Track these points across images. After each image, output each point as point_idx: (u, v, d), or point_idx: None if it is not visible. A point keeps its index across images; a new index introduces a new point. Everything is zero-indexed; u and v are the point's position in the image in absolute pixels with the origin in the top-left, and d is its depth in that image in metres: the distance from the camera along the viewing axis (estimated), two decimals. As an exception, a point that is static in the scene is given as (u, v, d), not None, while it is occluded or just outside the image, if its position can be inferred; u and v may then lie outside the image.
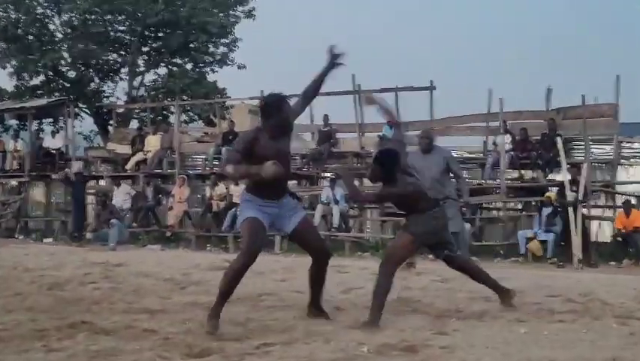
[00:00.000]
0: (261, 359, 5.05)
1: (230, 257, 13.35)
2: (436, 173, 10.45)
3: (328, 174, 18.64)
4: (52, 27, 29.77)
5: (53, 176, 21.82)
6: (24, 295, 8.21)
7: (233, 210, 17.79)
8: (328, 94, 20.73)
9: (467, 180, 21.00)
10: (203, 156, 21.59)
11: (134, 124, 28.23)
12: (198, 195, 20.79)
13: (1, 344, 5.50)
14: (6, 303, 7.62)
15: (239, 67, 30.12)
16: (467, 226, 15.56)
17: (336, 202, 17.22)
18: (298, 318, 6.68)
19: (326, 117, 19.96)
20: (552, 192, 15.65)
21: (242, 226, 6.35)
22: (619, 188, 17.78)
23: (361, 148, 19.77)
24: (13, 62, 28.32)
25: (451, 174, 10.93)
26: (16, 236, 20.94)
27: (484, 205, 18.27)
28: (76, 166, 20.96)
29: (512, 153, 17.48)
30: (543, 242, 14.77)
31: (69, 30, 29.18)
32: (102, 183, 22.56)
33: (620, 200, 17.50)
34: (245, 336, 5.87)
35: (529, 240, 14.95)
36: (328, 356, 5.08)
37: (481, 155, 18.88)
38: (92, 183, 23.33)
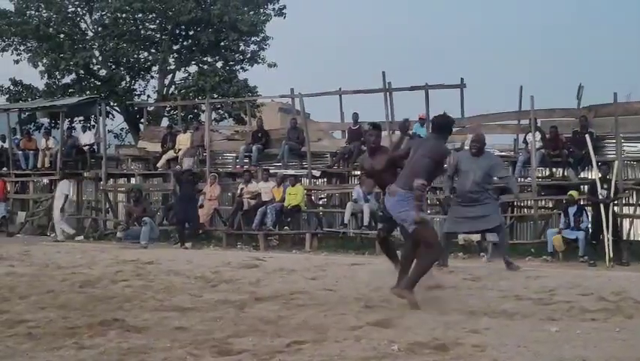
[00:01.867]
0: (292, 357, 5.07)
1: (260, 255, 13.49)
2: (480, 177, 10.72)
3: (358, 173, 18.61)
4: (83, 26, 30.05)
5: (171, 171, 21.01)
6: (56, 292, 8.30)
7: (263, 208, 17.87)
8: (358, 92, 20.78)
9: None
10: (234, 154, 21.66)
11: (164, 122, 28.38)
12: (229, 194, 20.86)
13: (33, 341, 5.57)
14: (38, 300, 7.72)
15: (269, 65, 30.15)
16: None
17: (367, 200, 17.20)
18: (329, 316, 6.69)
19: (356, 115, 19.94)
20: (574, 191, 15.54)
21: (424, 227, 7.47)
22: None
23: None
24: (45, 61, 28.55)
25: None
26: (48, 234, 21.17)
27: (516, 204, 18.15)
28: (187, 163, 20.30)
29: (543, 150, 17.34)
30: (574, 240, 14.65)
31: (100, 28, 29.41)
32: (133, 181, 22.71)
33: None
34: (276, 334, 5.90)
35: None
36: (359, 354, 5.09)
37: (512, 153, 18.75)
38: (122, 180, 23.55)
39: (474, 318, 6.52)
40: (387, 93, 19.84)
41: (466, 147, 11.75)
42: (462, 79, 19.69)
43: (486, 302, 7.49)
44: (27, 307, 7.26)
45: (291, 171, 19.36)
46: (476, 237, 15.13)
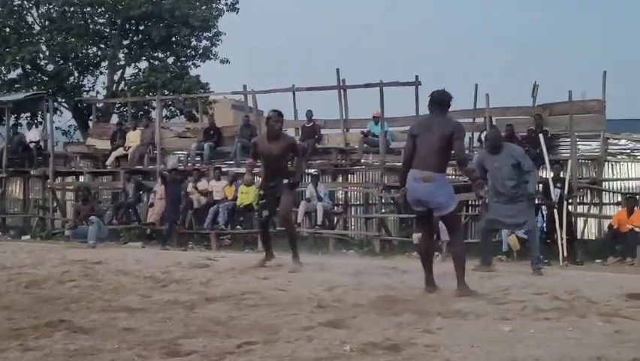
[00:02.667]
0: (243, 358, 5.03)
1: (212, 254, 13.42)
2: (507, 173, 10.58)
3: (311, 171, 18.64)
4: (30, 19, 29.59)
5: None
6: (0, 293, 8.16)
7: (215, 207, 17.79)
8: (311, 89, 20.79)
9: (452, 175, 21.25)
10: (185, 152, 21.52)
11: (114, 119, 28.14)
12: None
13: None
14: (-18, 301, 7.57)
15: (222, 61, 30.05)
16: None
17: (320, 199, 17.23)
18: (281, 316, 6.66)
19: (310, 112, 19.97)
20: None
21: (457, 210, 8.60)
22: (605, 185, 17.88)
23: (346, 144, 19.78)
24: (-10, 55, 28.10)
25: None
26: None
27: (470, 202, 18.32)
28: (172, 161, 19.52)
29: (498, 149, 17.49)
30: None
31: (47, 22, 29.00)
32: (82, 179, 22.44)
33: (606, 197, 17.64)
34: (227, 335, 5.85)
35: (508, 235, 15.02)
36: (311, 354, 5.07)
37: (467, 151, 18.90)
38: (70, 178, 23.24)
39: (427, 318, 6.54)
40: (342, 90, 19.90)
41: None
42: (417, 76, 19.81)
43: (439, 302, 7.53)
44: (-30, 308, 7.11)
45: (243, 170, 19.28)
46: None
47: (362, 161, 19.59)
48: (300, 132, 20.37)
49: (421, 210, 7.96)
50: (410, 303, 7.42)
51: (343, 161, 19.48)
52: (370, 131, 19.22)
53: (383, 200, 18.30)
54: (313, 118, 19.87)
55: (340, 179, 19.85)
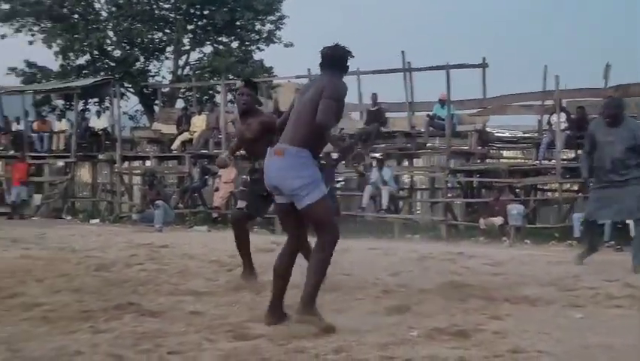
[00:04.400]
0: (309, 342, 5.05)
1: (277, 239, 13.50)
2: (620, 152, 9.09)
3: (376, 155, 18.57)
4: (97, 6, 30.05)
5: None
6: (71, 276, 8.34)
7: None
8: (377, 72, 20.69)
9: (521, 160, 20.94)
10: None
11: (179, 104, 28.44)
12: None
13: (49, 325, 5.60)
14: (53, 284, 7.75)
15: (286, 45, 30.12)
16: (521, 208, 15.44)
17: (385, 183, 17.17)
18: (346, 301, 6.68)
19: (374, 96, 19.88)
20: None
21: (323, 203, 5.48)
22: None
23: (411, 128, 19.65)
24: (59, 42, 28.64)
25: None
26: (64, 217, 21.30)
27: (539, 187, 18.06)
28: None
29: (568, 132, 17.18)
30: (600, 225, 14.51)
31: (114, 8, 29.41)
32: (148, 163, 22.79)
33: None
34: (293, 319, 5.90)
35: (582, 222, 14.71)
36: (377, 340, 5.07)
37: (536, 134, 18.63)
38: (137, 163, 23.63)
39: (495, 304, 6.49)
40: (407, 73, 19.75)
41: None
42: (484, 58, 19.55)
43: (507, 288, 7.45)
44: (42, 290, 7.29)
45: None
46: (498, 220, 15.10)
47: (428, 145, 19.45)
48: (364, 116, 20.31)
49: (281, 203, 5.68)
50: (477, 289, 7.36)
51: (409, 145, 19.35)
52: (436, 114, 19.04)
53: (449, 184, 18.16)
54: (378, 101, 19.78)
55: (406, 163, 19.76)
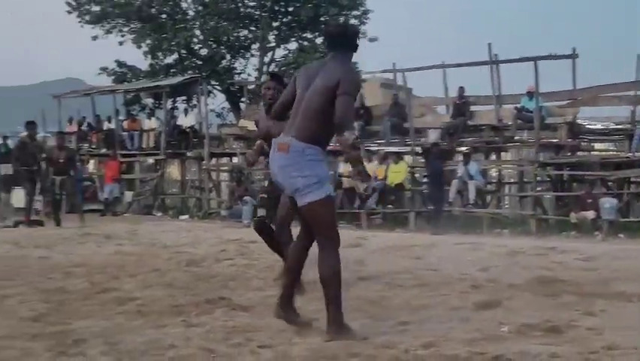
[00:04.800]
0: (397, 337, 5.06)
1: (363, 234, 13.53)
2: None
3: (463, 149, 18.39)
4: (184, 5, 30.66)
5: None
6: (162, 271, 8.52)
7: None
8: (462, 65, 20.47)
9: (613, 152, 20.41)
10: (334, 132, 21.66)
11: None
12: (331, 172, 20.90)
13: (143, 319, 5.74)
14: (145, 279, 7.94)
15: (370, 40, 30.10)
16: (614, 201, 15.09)
17: (471, 178, 16.99)
18: (434, 296, 6.66)
19: (461, 89, 19.67)
20: None
21: (327, 204, 5.05)
22: None
23: (499, 121, 19.37)
24: (148, 41, 29.29)
25: None
26: (154, 213, 21.77)
27: (633, 179, 17.58)
28: (433, 135, 19.08)
29: (663, 123, 16.68)
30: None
31: (201, 7, 29.92)
32: (235, 160, 23.09)
33: None
34: (380, 315, 5.92)
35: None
36: (465, 335, 5.05)
37: (629, 126, 18.12)
38: (224, 160, 23.97)
39: (588, 300, 6.35)
40: (494, 66, 19.48)
41: None
42: (574, 49, 19.16)
43: (600, 283, 7.29)
44: (135, 285, 7.48)
45: (393, 148, 19.29)
46: (591, 214, 14.78)
47: (516, 138, 19.14)
48: (451, 110, 20.12)
49: (290, 196, 5.24)
50: (569, 284, 7.23)
51: (496, 138, 19.08)
52: (524, 106, 18.72)
53: (538, 178, 17.85)
54: (465, 94, 19.57)
55: (493, 157, 19.50)
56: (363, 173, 5.22)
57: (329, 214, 5.07)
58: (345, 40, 5.23)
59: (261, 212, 7.24)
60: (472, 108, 19.83)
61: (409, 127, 19.38)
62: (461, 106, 19.38)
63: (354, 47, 5.31)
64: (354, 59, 5.70)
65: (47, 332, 5.29)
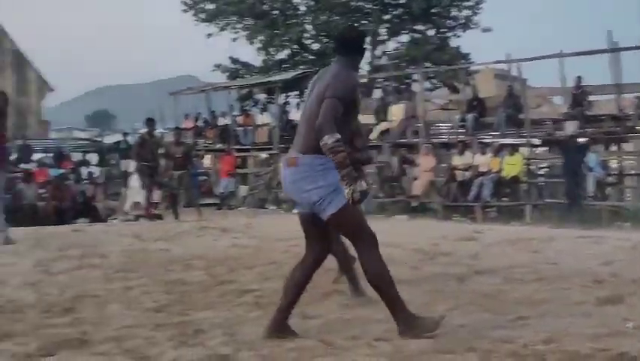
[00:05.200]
0: (516, 331, 4.98)
1: (478, 227, 13.37)
2: None
3: (581, 140, 17.88)
4: (295, 1, 30.97)
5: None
6: (278, 264, 8.61)
7: (479, 179, 17.66)
8: (580, 54, 19.91)
9: None
10: (448, 124, 21.49)
11: (376, 94, 28.71)
12: (444, 165, 20.74)
13: (261, 310, 5.84)
14: (262, 271, 8.08)
15: (483, 30, 29.71)
16: None
17: (590, 170, 16.52)
18: (553, 291, 6.52)
19: (579, 79, 19.13)
20: None
21: (350, 209, 4.80)
22: None
23: (619, 110, 18.75)
24: (260, 38, 29.74)
25: None
26: (268, 207, 22.10)
27: None
28: (571, 128, 18.31)
29: None
30: None
31: (312, 3, 30.18)
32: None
33: None
34: (497, 309, 5.84)
35: None
36: (588, 330, 4.92)
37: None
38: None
39: None
40: (614, 54, 18.86)
41: None
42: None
43: None
44: (253, 277, 7.62)
45: (508, 140, 18.96)
46: None
47: (637, 128, 18.50)
48: (568, 100, 19.60)
49: (302, 212, 5.11)
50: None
51: (617, 128, 18.47)
52: None
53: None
54: (582, 84, 19.03)
55: (614, 148, 18.90)
56: (347, 177, 4.70)
57: (355, 218, 4.88)
58: (347, 43, 5.07)
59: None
60: (591, 98, 19.26)
61: (525, 118, 19.00)
62: (579, 96, 18.84)
63: (359, 51, 5.12)
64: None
65: (169, 323, 5.47)
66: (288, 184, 4.91)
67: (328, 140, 4.55)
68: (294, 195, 4.95)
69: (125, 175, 23.64)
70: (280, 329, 4.97)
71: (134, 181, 21.62)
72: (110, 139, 33.87)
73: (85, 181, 21.47)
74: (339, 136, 4.55)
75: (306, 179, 4.75)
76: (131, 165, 21.04)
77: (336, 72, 4.86)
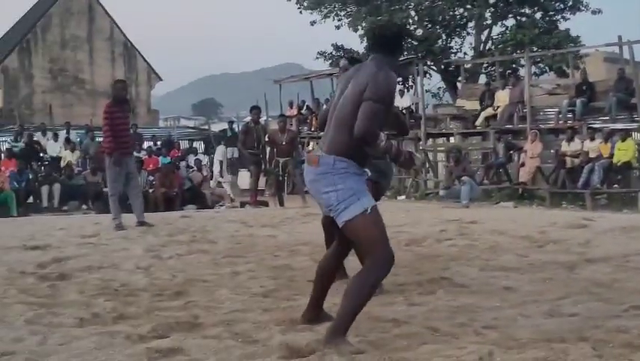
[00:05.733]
0: (631, 322, 4.87)
1: (588, 215, 13.05)
2: None
3: None
4: (399, -14, 30.79)
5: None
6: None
7: (589, 165, 17.22)
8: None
9: None
10: (556, 110, 21.00)
11: (482, 79, 28.33)
12: (551, 151, 20.28)
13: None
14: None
15: (593, 12, 28.87)
16: None
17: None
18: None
19: None
20: None
21: (368, 219, 4.37)
22: None
23: None
24: (364, 24, 29.72)
25: None
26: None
27: None
28: None
29: None
30: None
31: (416, -12, 29.97)
32: (452, 140, 22.97)
33: None
34: (611, 298, 5.71)
35: None
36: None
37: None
38: (441, 140, 23.92)
39: None
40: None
41: None
42: None
43: None
44: (357, 263, 7.60)
45: (619, 125, 18.40)
46: None
47: None
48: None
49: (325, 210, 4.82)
50: None
51: None
52: None
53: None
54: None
55: None
56: (405, 162, 4.58)
57: (371, 230, 4.35)
58: (384, 41, 4.62)
59: None
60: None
61: (638, 102, 18.37)
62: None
63: (397, 49, 4.72)
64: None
65: (276, 307, 5.54)
66: (309, 183, 4.59)
67: (378, 145, 4.31)
68: (313, 195, 4.64)
69: (232, 163, 24.07)
70: (315, 317, 4.88)
71: (241, 169, 22.07)
72: (216, 127, 34.54)
73: (192, 169, 21.91)
74: (383, 137, 4.30)
75: (325, 180, 4.40)
76: (237, 152, 21.40)
77: (374, 72, 4.42)
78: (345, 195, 4.30)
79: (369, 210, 4.30)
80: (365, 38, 30.35)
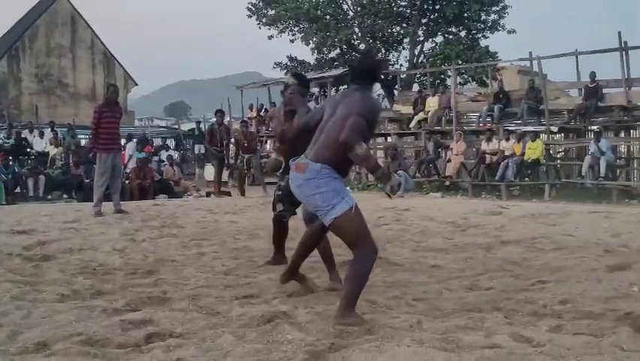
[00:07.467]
0: (537, 294, 4.95)
1: (503, 203, 13.23)
2: None
3: (594, 128, 17.54)
4: (345, 7, 30.82)
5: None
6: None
7: (505, 161, 17.45)
8: (594, 52, 19.47)
9: None
10: (477, 114, 21.24)
11: (415, 87, 28.48)
12: (473, 149, 20.51)
13: (314, 273, 5.73)
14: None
15: (508, 32, 29.24)
16: None
17: (602, 154, 16.21)
18: (570, 259, 6.43)
19: (593, 74, 18.72)
20: None
21: (352, 216, 4.28)
22: None
23: (628, 102, 18.32)
24: (314, 39, 29.71)
25: None
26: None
27: None
28: None
29: None
30: None
31: (359, 8, 30.00)
32: (390, 139, 23.06)
33: None
34: (520, 274, 5.80)
35: None
36: (600, 294, 4.87)
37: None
38: (380, 139, 24.02)
39: None
40: (624, 52, 18.40)
41: None
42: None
43: None
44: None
45: (530, 128, 18.69)
46: None
47: (644, 117, 18.03)
48: (583, 92, 19.22)
49: (307, 210, 5.19)
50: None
51: (625, 117, 18.06)
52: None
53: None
54: (596, 79, 18.62)
55: (622, 134, 18.50)
56: (384, 177, 4.42)
57: (355, 226, 4.29)
58: (367, 73, 4.59)
59: (280, 207, 6.07)
60: (603, 91, 18.86)
61: (544, 109, 18.71)
62: (592, 89, 18.46)
63: (374, 80, 4.69)
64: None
65: (236, 284, 5.51)
66: (294, 188, 4.50)
67: (359, 150, 4.16)
68: (300, 198, 4.57)
69: (198, 158, 23.80)
70: (292, 276, 5.10)
71: (207, 163, 21.90)
72: (185, 127, 34.17)
73: (164, 163, 21.63)
74: (365, 146, 4.22)
75: (310, 184, 4.33)
76: (203, 149, 21.20)
77: (362, 97, 4.43)
78: (330, 196, 4.25)
79: (353, 209, 4.26)
80: (316, 51, 30.44)
